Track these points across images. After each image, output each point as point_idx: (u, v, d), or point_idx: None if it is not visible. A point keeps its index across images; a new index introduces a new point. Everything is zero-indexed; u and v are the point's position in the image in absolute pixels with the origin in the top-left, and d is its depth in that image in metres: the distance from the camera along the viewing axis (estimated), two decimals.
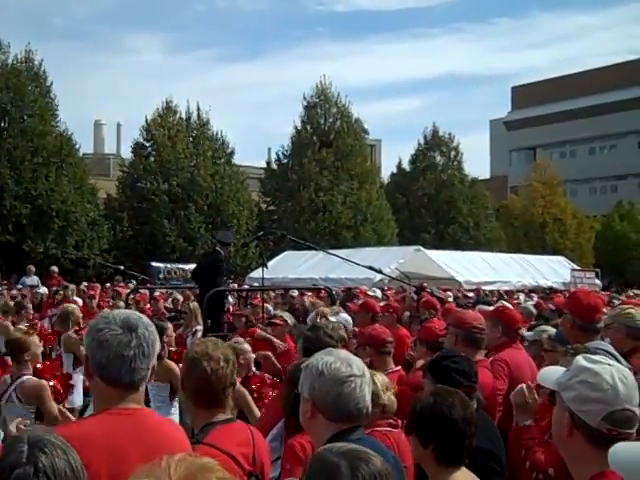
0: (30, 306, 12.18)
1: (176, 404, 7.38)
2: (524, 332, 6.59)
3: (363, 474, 1.99)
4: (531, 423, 4.13)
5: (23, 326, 10.89)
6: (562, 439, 2.52)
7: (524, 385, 4.09)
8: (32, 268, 22.70)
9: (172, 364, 7.04)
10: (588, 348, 4.23)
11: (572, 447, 2.49)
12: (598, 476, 2.39)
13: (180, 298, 15.96)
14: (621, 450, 2.03)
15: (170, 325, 8.75)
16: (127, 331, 2.69)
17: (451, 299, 15.53)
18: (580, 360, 2.54)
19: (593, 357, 2.57)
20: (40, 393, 6.04)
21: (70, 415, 4.71)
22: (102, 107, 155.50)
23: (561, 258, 31.55)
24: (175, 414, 7.31)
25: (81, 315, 9.78)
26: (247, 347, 6.64)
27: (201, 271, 12.70)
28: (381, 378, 4.46)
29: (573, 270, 25.64)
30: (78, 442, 2.53)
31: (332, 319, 8.22)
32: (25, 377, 6.11)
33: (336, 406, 2.85)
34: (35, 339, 6.42)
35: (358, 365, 2.94)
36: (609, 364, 2.51)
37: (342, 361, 2.91)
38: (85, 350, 2.75)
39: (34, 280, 21.90)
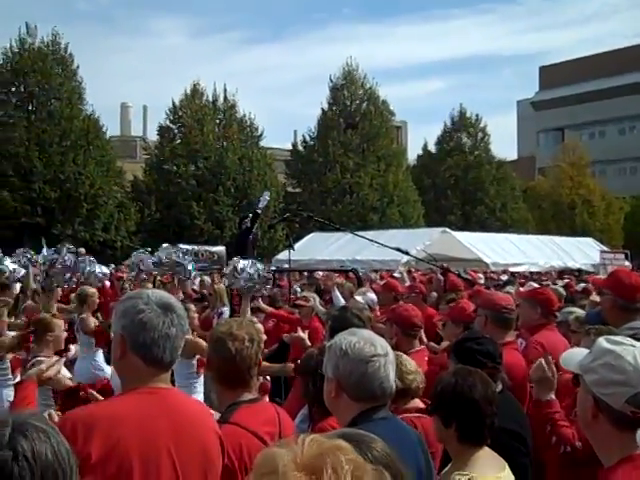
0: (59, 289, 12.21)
1: (201, 380, 7.42)
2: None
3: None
4: (552, 397, 4.13)
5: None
6: (587, 422, 2.49)
7: (542, 360, 4.07)
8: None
9: (198, 339, 7.06)
10: (612, 330, 4.20)
11: (597, 430, 2.46)
12: (627, 460, 2.36)
13: (208, 280, 16.01)
14: None
15: (192, 306, 8.84)
16: (166, 311, 2.73)
17: (482, 280, 15.45)
18: (602, 342, 2.50)
19: (615, 338, 2.52)
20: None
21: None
22: (129, 90, 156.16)
23: (590, 240, 31.24)
24: (200, 391, 7.36)
25: (97, 300, 9.82)
26: (260, 326, 6.65)
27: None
28: (408, 361, 4.45)
29: (602, 252, 25.40)
30: (109, 421, 2.57)
31: (358, 298, 8.25)
32: (41, 357, 6.17)
33: (360, 385, 2.86)
34: (60, 322, 6.48)
35: (382, 345, 2.94)
36: (632, 345, 2.47)
37: (365, 341, 2.91)
38: (121, 330, 2.74)
39: None
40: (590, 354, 2.51)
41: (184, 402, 2.87)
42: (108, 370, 8.83)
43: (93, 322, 9.15)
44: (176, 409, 2.74)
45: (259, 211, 13.86)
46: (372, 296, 8.70)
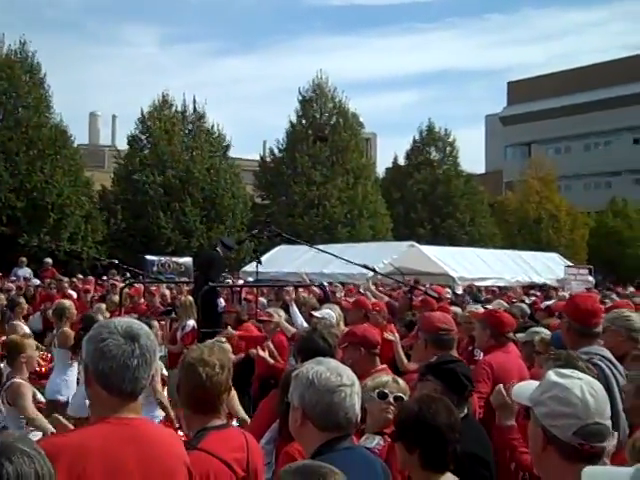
0: (24, 301, 12.13)
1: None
2: (516, 334, 6.59)
3: None
4: (513, 423, 4.19)
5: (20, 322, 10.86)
6: (537, 454, 2.55)
7: (501, 386, 4.13)
8: (24, 260, 22.61)
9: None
10: (571, 355, 4.29)
11: (546, 462, 2.52)
12: None
13: (167, 293, 15.98)
14: (592, 474, 2.07)
15: (157, 324, 8.83)
16: (130, 341, 2.72)
17: (449, 295, 15.52)
18: (550, 375, 2.58)
19: (563, 371, 2.60)
20: (19, 390, 6.08)
21: (65, 421, 4.62)
22: (98, 98, 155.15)
23: (555, 255, 31.56)
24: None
25: (75, 311, 9.79)
26: (228, 346, 6.66)
27: (197, 268, 12.84)
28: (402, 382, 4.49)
29: (567, 267, 25.70)
30: (75, 451, 2.59)
31: (316, 314, 8.27)
32: (13, 380, 6.16)
33: (326, 415, 2.90)
34: (32, 342, 6.45)
35: (348, 375, 2.99)
36: (579, 378, 2.54)
37: (332, 371, 2.95)
38: (85, 358, 2.78)
39: (26, 272, 21.83)
40: (539, 387, 2.59)
41: (153, 431, 2.88)
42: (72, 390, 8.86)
43: (72, 336, 9.13)
44: (144, 439, 2.75)
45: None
46: (328, 311, 8.64)
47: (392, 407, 4.05)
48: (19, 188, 30.45)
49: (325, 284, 14.55)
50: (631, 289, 23.71)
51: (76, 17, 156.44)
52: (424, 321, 5.60)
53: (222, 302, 11.58)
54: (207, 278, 11.65)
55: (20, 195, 30.45)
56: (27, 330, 10.41)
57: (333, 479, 2.07)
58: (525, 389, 2.69)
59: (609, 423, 2.50)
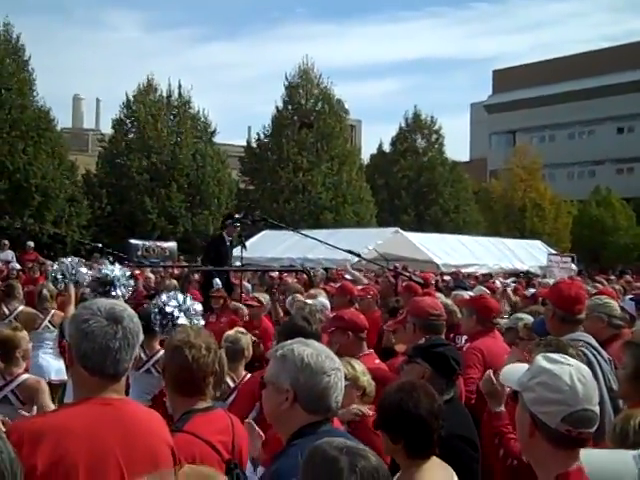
0: (20, 286, 11.95)
1: None
2: (500, 320, 6.63)
3: (361, 469, 2.04)
4: (502, 409, 4.19)
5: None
6: (524, 439, 2.54)
7: (490, 372, 4.14)
8: (6, 242, 22.39)
9: None
10: (562, 341, 4.29)
11: (534, 447, 2.51)
12: (563, 476, 2.43)
13: (152, 277, 15.94)
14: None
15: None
16: (112, 322, 2.71)
17: (433, 281, 15.51)
18: (539, 360, 2.56)
19: (553, 357, 2.58)
20: (37, 389, 5.91)
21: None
22: (81, 82, 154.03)
23: (538, 242, 31.74)
24: None
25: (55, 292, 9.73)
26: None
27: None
28: (358, 363, 4.51)
29: (550, 254, 25.81)
30: (58, 432, 2.57)
31: (309, 302, 8.24)
32: (23, 376, 5.90)
33: (319, 399, 2.84)
34: (25, 334, 6.23)
35: (336, 358, 2.96)
36: (568, 364, 2.52)
37: (325, 354, 2.91)
38: (68, 339, 2.77)
39: (8, 255, 21.60)
40: (528, 372, 2.57)
41: (136, 413, 2.86)
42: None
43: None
44: (127, 420, 2.74)
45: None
46: (323, 300, 8.65)
47: None
48: (1, 170, 30.11)
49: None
50: (613, 277, 23.79)
51: (61, 0, 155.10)
52: (414, 305, 5.60)
53: (218, 282, 11.47)
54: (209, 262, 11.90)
55: (2, 176, 30.13)
56: None
57: (371, 456, 2.13)
58: (514, 372, 2.67)
59: (597, 409, 2.48)
